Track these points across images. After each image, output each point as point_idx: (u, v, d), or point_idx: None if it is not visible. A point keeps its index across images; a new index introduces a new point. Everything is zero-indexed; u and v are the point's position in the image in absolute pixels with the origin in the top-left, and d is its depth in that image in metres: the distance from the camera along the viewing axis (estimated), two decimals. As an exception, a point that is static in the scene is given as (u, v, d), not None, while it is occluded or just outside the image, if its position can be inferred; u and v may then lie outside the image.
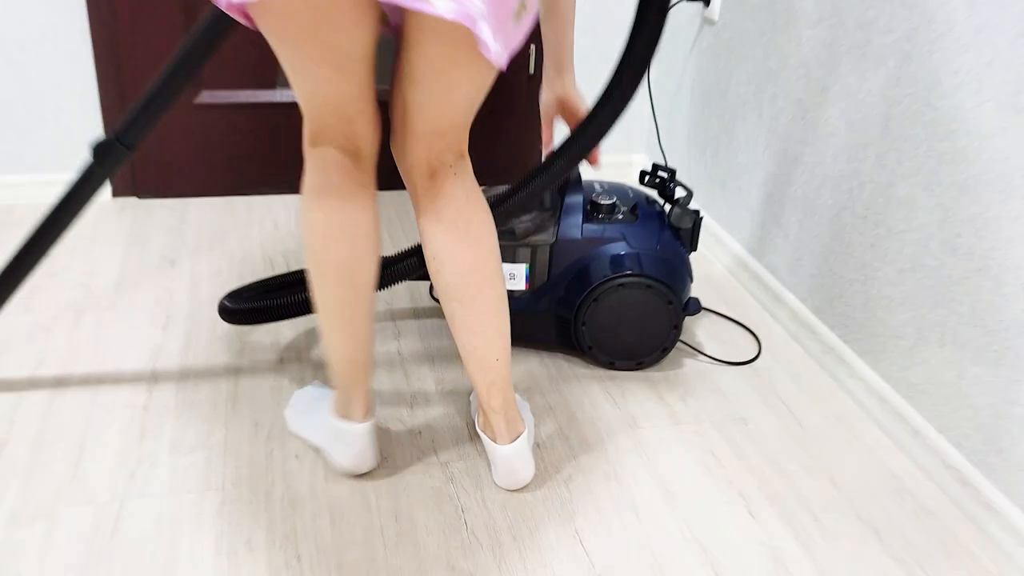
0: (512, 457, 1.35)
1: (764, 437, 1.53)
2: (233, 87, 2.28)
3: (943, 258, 1.41)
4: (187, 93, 2.26)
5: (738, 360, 1.74)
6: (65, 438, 1.43)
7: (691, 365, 1.72)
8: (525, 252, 1.62)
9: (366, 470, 1.38)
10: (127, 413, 1.50)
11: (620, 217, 1.63)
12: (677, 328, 1.63)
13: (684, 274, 1.63)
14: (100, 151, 1.36)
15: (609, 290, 1.59)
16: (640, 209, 1.66)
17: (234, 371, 1.62)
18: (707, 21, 2.14)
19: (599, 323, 1.62)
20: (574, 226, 1.61)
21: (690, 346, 1.77)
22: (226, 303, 1.62)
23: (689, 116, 2.25)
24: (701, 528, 1.32)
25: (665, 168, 1.71)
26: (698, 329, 1.85)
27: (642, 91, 2.45)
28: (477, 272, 1.25)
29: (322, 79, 1.11)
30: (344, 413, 1.34)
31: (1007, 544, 1.30)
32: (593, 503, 1.36)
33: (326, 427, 1.39)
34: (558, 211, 1.62)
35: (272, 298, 1.57)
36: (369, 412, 1.35)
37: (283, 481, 1.37)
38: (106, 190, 2.31)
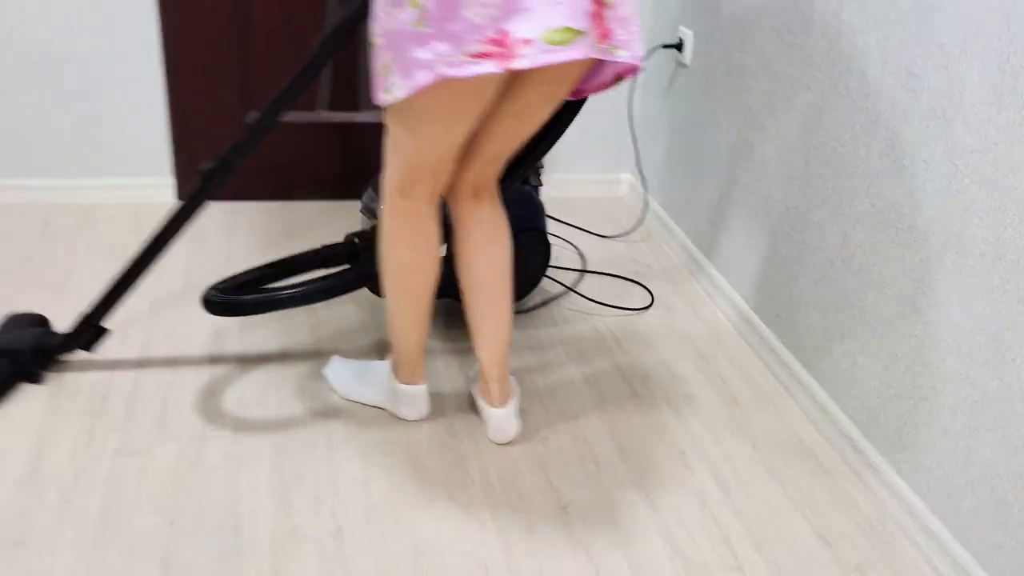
0: (503, 417, 1.75)
1: (705, 410, 1.92)
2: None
3: (843, 273, 1.79)
4: (238, 111, 2.66)
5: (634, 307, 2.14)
6: (158, 395, 1.84)
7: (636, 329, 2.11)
8: None
9: (423, 417, 1.80)
10: (203, 377, 1.90)
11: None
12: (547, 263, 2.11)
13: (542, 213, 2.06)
14: (206, 175, 1.72)
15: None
16: None
17: (281, 350, 2.02)
18: (680, 64, 2.52)
19: None
20: None
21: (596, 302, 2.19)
22: (213, 296, 1.79)
23: (666, 142, 2.64)
24: (647, 476, 1.71)
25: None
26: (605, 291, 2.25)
27: (625, 121, 2.82)
28: (501, 269, 1.65)
29: (437, 142, 1.44)
30: (408, 379, 1.76)
31: (882, 493, 1.68)
32: (563, 457, 1.75)
33: (388, 391, 1.79)
34: None
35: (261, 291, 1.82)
36: (424, 377, 1.78)
37: (326, 432, 1.77)
38: (171, 193, 2.72)
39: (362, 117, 2.74)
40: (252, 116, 1.75)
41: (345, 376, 1.88)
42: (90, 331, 1.85)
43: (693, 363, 2.08)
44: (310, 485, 1.63)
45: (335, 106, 2.72)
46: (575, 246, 2.59)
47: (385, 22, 1.34)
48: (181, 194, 2.73)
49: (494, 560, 1.50)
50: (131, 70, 2.55)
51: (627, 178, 2.95)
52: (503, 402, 1.75)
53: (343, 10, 1.59)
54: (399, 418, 1.81)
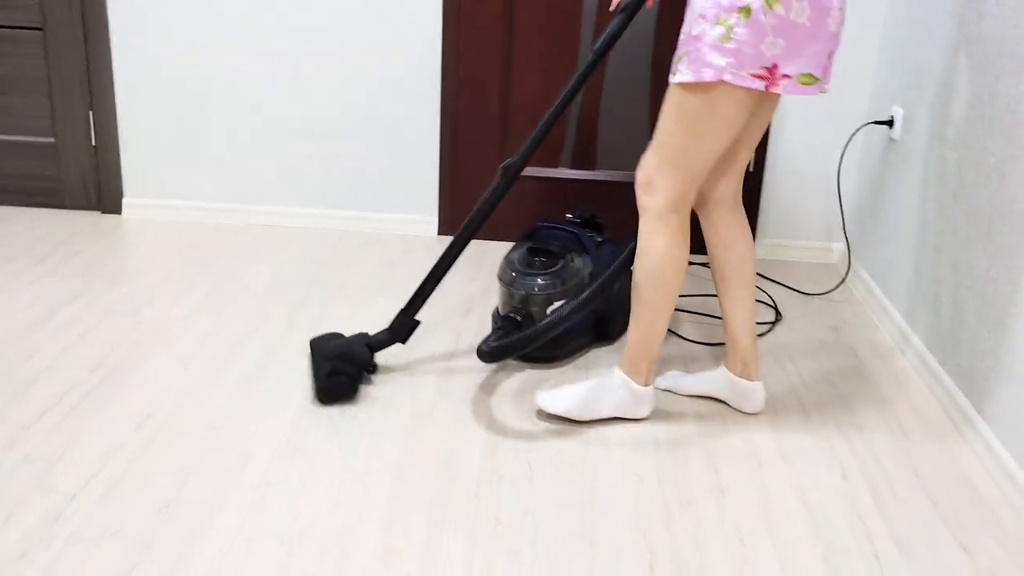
0: (760, 390, 2.14)
1: (872, 434, 2.10)
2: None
3: (1009, 310, 1.94)
4: (495, 164, 3.16)
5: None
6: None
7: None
8: (576, 288, 2.30)
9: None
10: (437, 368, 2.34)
11: (596, 245, 2.44)
12: None
13: None
14: (505, 170, 2.16)
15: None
16: (583, 240, 2.43)
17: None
18: (891, 140, 2.74)
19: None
20: (589, 261, 2.40)
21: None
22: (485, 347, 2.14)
23: (875, 211, 2.84)
24: (804, 477, 1.93)
25: (584, 209, 2.51)
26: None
27: (834, 194, 3.04)
28: (753, 262, 2.07)
29: (719, 150, 1.86)
30: (647, 381, 2.07)
31: (1031, 523, 1.79)
32: (731, 453, 2.01)
33: (624, 398, 2.05)
34: (573, 261, 2.36)
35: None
36: None
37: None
38: (433, 228, 3.26)
39: (599, 175, 3.16)
40: (507, 161, 2.18)
41: (570, 401, 2.07)
42: (407, 324, 2.22)
43: (873, 403, 2.26)
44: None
45: (575, 164, 3.16)
46: (773, 301, 2.83)
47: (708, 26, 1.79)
48: (442, 229, 3.26)
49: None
50: (414, 127, 3.14)
51: (839, 247, 3.14)
52: (758, 377, 2.15)
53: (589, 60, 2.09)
54: (634, 419, 2.09)
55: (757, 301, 2.64)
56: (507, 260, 2.37)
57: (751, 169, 3.09)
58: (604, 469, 1.93)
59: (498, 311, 2.38)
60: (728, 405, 2.19)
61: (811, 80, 1.80)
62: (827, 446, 2.06)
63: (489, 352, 2.13)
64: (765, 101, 1.92)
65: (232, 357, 2.33)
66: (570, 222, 2.51)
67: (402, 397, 2.17)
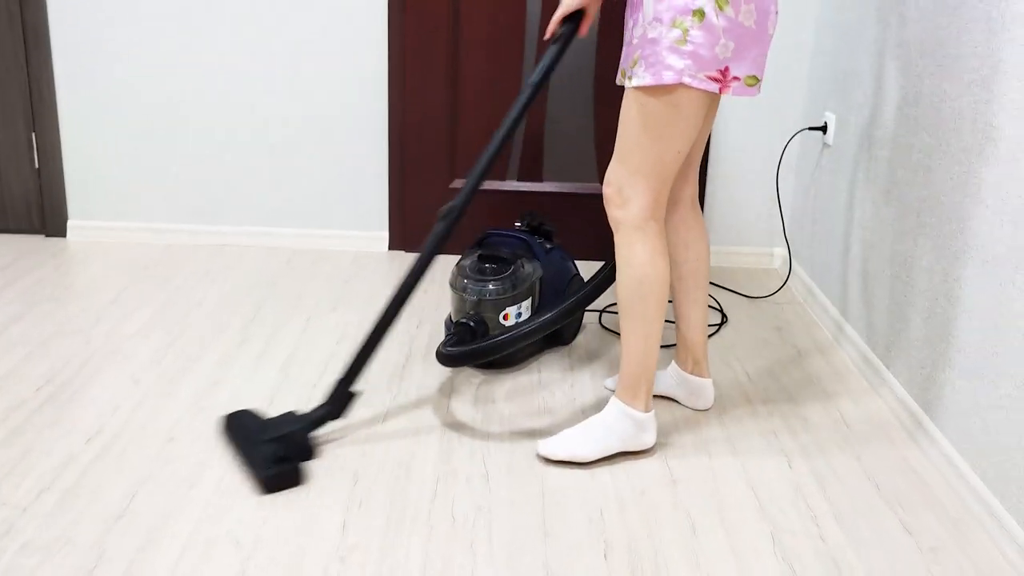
0: (710, 386, 2.20)
1: (815, 429, 2.16)
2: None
3: (946, 308, 2.02)
4: (446, 176, 3.20)
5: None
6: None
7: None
8: (526, 292, 2.38)
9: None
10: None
11: (545, 251, 2.49)
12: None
13: None
14: (445, 215, 1.96)
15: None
16: (532, 247, 2.49)
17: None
18: (825, 145, 2.84)
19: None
20: (539, 266, 2.45)
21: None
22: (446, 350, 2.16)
23: (811, 214, 2.93)
24: (747, 459, 1.98)
25: (532, 216, 2.56)
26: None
27: (774, 199, 3.13)
28: (707, 261, 2.12)
29: (685, 151, 1.87)
30: (647, 406, 1.98)
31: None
32: (681, 446, 2.05)
33: (626, 430, 1.97)
34: (523, 267, 2.40)
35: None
36: None
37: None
38: (384, 244, 3.28)
39: (546, 187, 3.22)
40: (458, 182, 2.14)
41: (574, 444, 1.99)
42: (345, 397, 1.98)
43: (816, 398, 2.33)
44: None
45: (523, 176, 3.21)
46: (719, 304, 2.90)
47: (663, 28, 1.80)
48: (392, 244, 3.29)
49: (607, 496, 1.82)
50: (363, 144, 3.17)
51: (780, 252, 3.23)
52: (708, 375, 2.21)
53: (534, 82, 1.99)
54: (639, 450, 2.01)
55: None
56: (458, 267, 2.41)
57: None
58: (556, 468, 1.97)
59: (451, 318, 2.41)
60: (679, 403, 2.24)
61: (754, 81, 1.84)
62: (773, 438, 2.12)
63: (448, 356, 2.15)
64: (713, 103, 1.95)
65: (185, 372, 2.32)
66: (519, 229, 2.55)
67: (357, 406, 2.18)
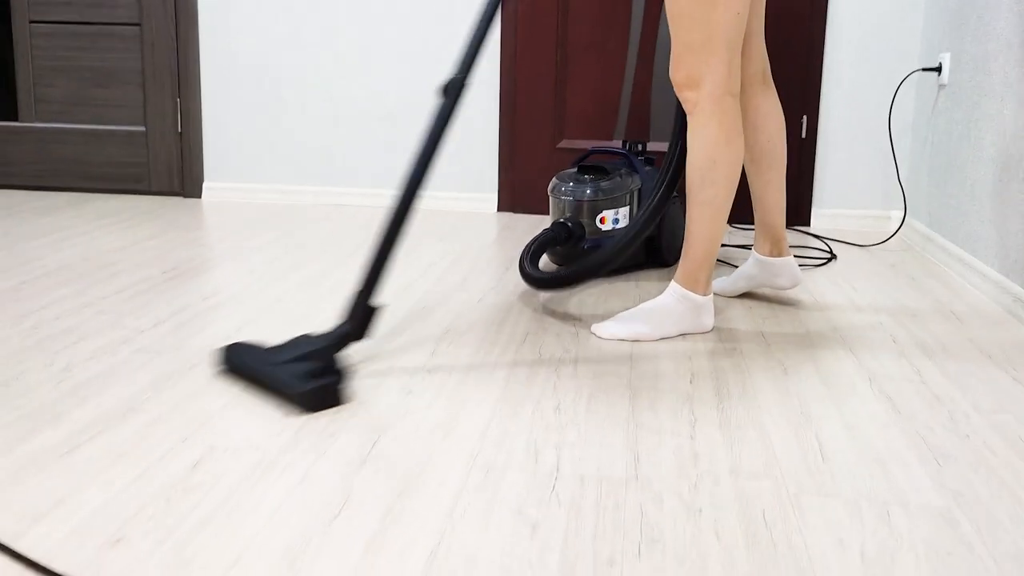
0: (793, 263, 2.16)
1: (927, 321, 2.08)
2: (583, 137, 3.28)
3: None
4: (553, 138, 3.29)
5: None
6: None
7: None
8: (624, 198, 2.38)
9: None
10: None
11: (644, 172, 2.48)
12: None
13: None
14: (449, 88, 1.73)
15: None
16: (633, 161, 2.50)
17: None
18: (941, 85, 2.79)
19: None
20: (639, 179, 2.45)
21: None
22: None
23: (930, 155, 2.86)
24: (854, 342, 1.91)
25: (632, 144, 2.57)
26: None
27: (888, 154, 3.07)
28: (784, 138, 2.08)
29: (744, 14, 1.81)
30: (706, 290, 1.95)
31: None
32: (778, 323, 2.01)
33: (689, 313, 1.93)
34: (621, 176, 2.41)
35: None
36: None
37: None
38: (493, 206, 3.37)
39: (653, 147, 3.26)
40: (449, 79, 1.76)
41: (635, 324, 1.94)
42: (365, 313, 1.68)
43: (933, 309, 2.24)
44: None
45: (630, 135, 3.27)
46: (830, 248, 2.84)
47: None
48: (501, 206, 3.38)
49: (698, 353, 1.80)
50: (475, 111, 3.31)
51: (896, 215, 3.14)
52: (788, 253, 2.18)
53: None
54: (700, 332, 1.97)
55: (812, 248, 2.67)
56: (559, 176, 2.46)
57: (803, 135, 3.15)
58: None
59: (544, 232, 2.45)
60: (765, 295, 2.21)
61: None
62: (877, 326, 2.04)
63: (531, 278, 2.14)
64: None
65: (295, 267, 2.44)
66: (619, 149, 2.60)
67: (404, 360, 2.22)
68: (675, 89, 1.91)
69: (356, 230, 2.97)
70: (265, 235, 2.85)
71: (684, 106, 1.90)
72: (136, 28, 3.43)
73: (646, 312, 1.95)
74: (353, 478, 1.27)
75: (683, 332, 1.96)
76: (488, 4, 1.78)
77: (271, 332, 1.89)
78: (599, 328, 1.95)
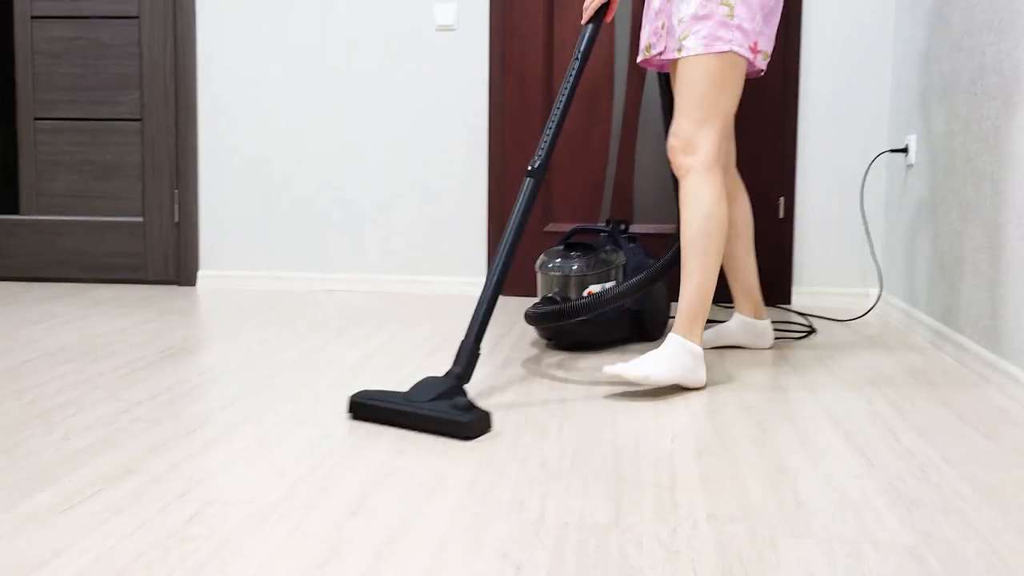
0: (770, 326, 2.49)
1: (897, 385, 2.14)
2: (569, 220, 3.40)
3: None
4: (540, 222, 3.40)
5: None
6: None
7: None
8: (610, 273, 2.49)
9: None
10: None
11: (628, 248, 2.60)
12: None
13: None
14: (534, 171, 2.11)
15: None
16: (616, 238, 2.62)
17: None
18: (908, 166, 2.92)
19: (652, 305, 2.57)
20: (623, 256, 2.56)
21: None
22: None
23: (901, 231, 2.97)
24: (827, 405, 1.98)
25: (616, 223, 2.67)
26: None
27: (860, 229, 3.19)
28: (750, 216, 2.42)
29: (736, 106, 2.15)
30: (701, 341, 2.09)
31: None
32: (759, 390, 2.07)
33: (688, 363, 2.04)
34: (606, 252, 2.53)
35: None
36: None
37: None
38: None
39: (637, 229, 3.37)
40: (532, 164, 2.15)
41: (645, 367, 2.02)
42: (472, 356, 1.93)
43: (910, 376, 2.31)
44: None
45: (614, 215, 3.39)
46: (809, 322, 2.92)
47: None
48: (490, 288, 3.46)
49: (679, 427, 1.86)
50: (463, 195, 3.43)
51: (875, 291, 3.24)
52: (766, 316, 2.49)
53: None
54: (695, 387, 2.08)
55: (793, 323, 2.78)
56: (546, 253, 2.56)
57: (781, 215, 3.27)
58: (626, 401, 2.02)
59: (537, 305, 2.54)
60: (745, 363, 2.32)
61: (767, 58, 2.17)
62: (852, 385, 2.11)
63: (534, 316, 2.32)
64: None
65: (287, 344, 2.51)
66: (604, 225, 2.70)
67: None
68: (670, 154, 2.15)
69: (348, 312, 3.05)
70: (259, 318, 2.92)
71: (677, 171, 2.15)
72: (138, 123, 3.57)
73: (652, 358, 2.06)
74: (343, 527, 1.31)
75: (682, 380, 2.06)
76: (566, 98, 2.16)
77: (268, 404, 1.95)
78: (609, 368, 2.01)
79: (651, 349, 2.42)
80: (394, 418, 1.80)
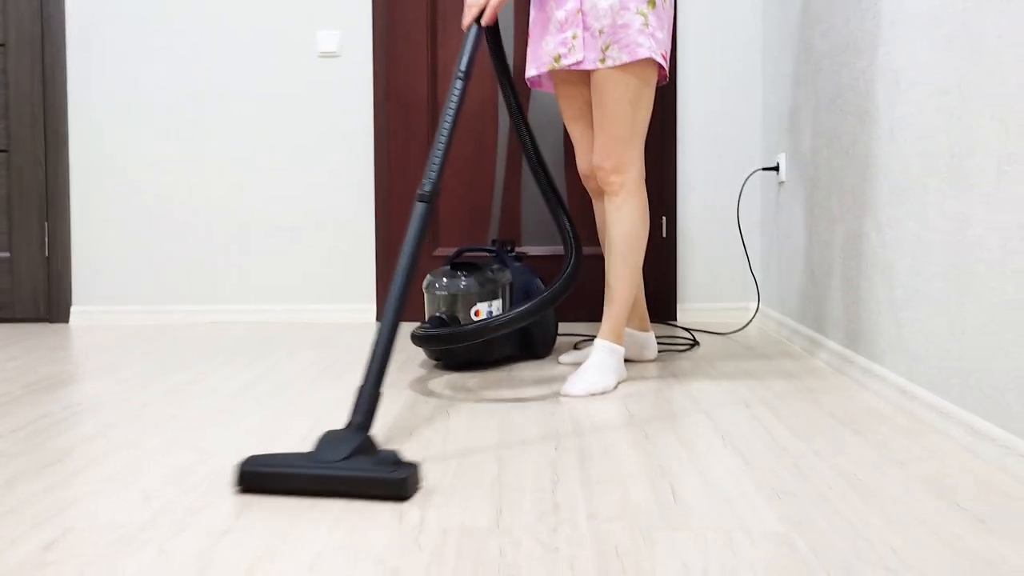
0: (653, 338, 2.55)
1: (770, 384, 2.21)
2: (457, 244, 3.40)
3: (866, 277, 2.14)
4: (428, 246, 3.39)
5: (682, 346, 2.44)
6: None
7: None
8: (497, 291, 2.49)
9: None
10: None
11: (514, 267, 2.61)
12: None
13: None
14: (422, 197, 1.88)
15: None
16: (502, 257, 2.63)
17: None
18: (780, 183, 3.04)
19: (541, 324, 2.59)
20: (510, 274, 2.55)
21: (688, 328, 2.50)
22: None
23: (774, 244, 3.08)
24: (706, 407, 2.02)
25: (502, 243, 2.68)
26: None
27: (739, 245, 3.29)
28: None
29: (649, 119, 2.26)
30: (622, 342, 2.27)
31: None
32: (640, 394, 2.10)
33: (620, 366, 2.24)
34: (493, 271, 2.52)
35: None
36: None
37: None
38: (372, 314, 3.42)
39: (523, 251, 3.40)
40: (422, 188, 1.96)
41: (589, 382, 2.15)
42: (372, 401, 1.67)
43: (785, 378, 2.38)
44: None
45: (501, 235, 3.40)
46: (692, 336, 2.99)
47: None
48: (379, 315, 3.43)
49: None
50: (351, 222, 3.40)
51: (751, 305, 3.34)
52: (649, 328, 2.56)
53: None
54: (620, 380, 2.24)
55: (677, 338, 2.82)
56: (432, 273, 2.54)
57: (663, 235, 3.35)
58: (516, 405, 2.02)
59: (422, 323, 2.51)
60: (631, 376, 2.34)
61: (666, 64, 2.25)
62: (732, 392, 2.16)
63: (422, 337, 2.28)
64: None
65: (161, 375, 2.42)
66: (490, 246, 2.71)
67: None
68: (599, 175, 2.23)
69: (230, 342, 2.96)
70: (135, 351, 2.81)
71: (607, 188, 2.23)
72: (4, 155, 3.42)
73: (595, 368, 2.19)
74: (215, 547, 1.26)
75: (617, 380, 2.22)
76: (450, 119, 1.99)
77: (137, 434, 1.87)
78: (569, 389, 2.14)
79: (540, 367, 2.47)
80: (304, 485, 1.48)
